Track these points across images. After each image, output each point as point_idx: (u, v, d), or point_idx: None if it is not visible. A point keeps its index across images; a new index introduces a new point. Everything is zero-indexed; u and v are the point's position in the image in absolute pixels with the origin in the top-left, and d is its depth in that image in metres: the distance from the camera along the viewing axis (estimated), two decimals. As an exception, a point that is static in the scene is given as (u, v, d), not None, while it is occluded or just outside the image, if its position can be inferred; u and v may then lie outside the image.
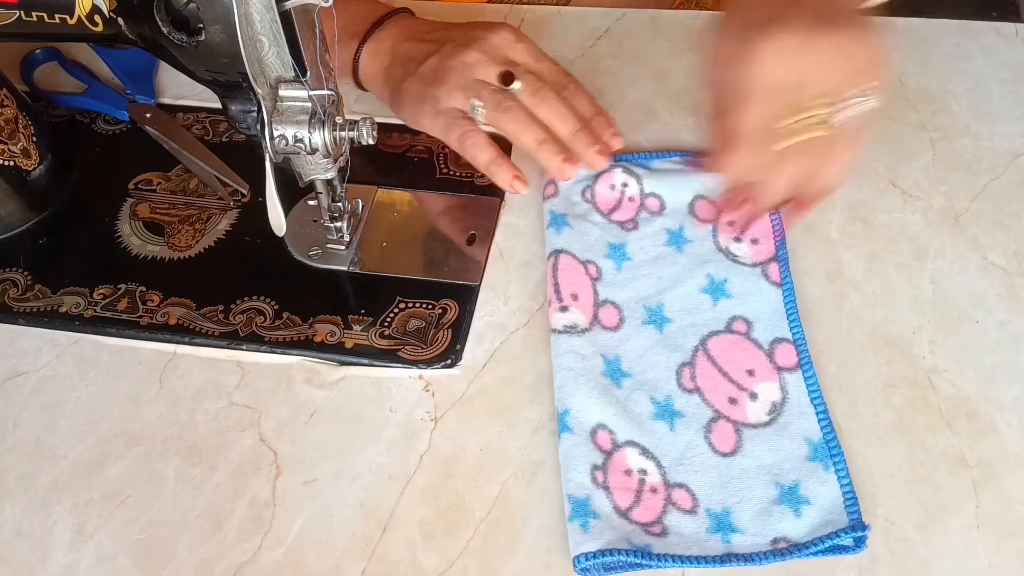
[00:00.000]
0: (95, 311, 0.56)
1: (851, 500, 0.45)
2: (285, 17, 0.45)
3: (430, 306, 0.55)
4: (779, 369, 0.51)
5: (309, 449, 0.50)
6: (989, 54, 0.68)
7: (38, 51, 0.72)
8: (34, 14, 0.48)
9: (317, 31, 0.47)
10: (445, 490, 0.48)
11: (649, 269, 0.56)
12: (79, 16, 0.47)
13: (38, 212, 0.62)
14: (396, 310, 0.55)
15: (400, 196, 0.62)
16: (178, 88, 0.70)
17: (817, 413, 0.49)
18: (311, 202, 0.60)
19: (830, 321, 0.53)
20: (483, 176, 0.62)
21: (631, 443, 0.48)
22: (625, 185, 0.59)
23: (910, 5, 0.70)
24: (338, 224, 0.58)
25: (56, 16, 0.48)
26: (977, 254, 0.56)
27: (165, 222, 0.61)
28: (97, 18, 0.47)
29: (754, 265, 0.55)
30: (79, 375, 0.54)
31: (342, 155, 0.52)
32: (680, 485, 0.47)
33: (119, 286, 0.58)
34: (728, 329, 0.52)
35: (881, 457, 0.48)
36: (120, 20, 0.47)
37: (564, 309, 0.53)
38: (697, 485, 0.47)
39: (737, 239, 0.56)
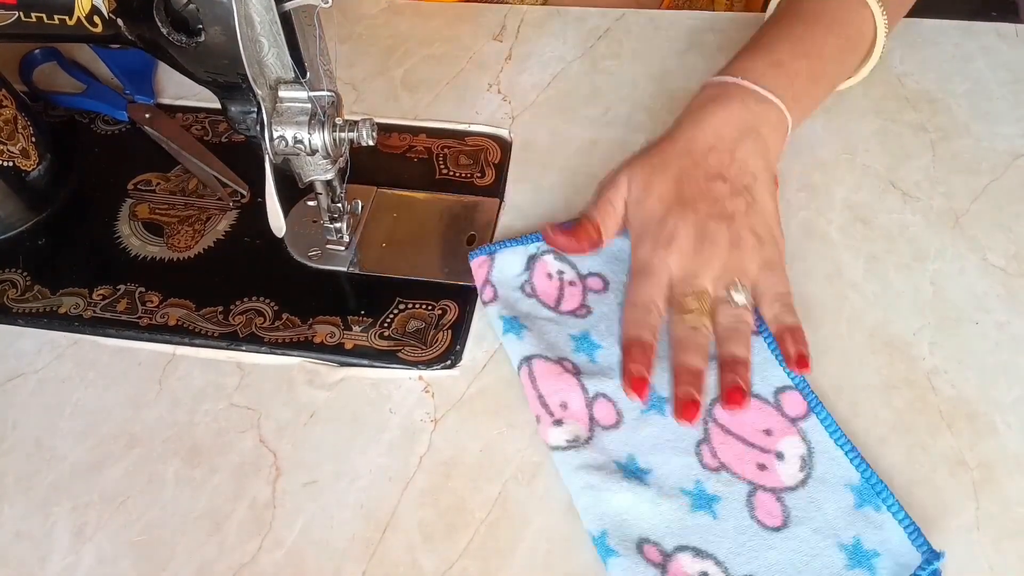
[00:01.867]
0: (94, 312, 0.56)
1: (914, 533, 0.44)
2: (285, 18, 0.45)
3: (430, 307, 0.55)
4: (793, 420, 0.48)
5: (309, 450, 0.50)
6: (989, 54, 0.68)
7: (37, 51, 0.72)
8: (33, 15, 0.48)
9: (317, 32, 0.47)
10: (445, 491, 0.48)
11: (623, 354, 0.51)
12: (78, 17, 0.47)
13: (37, 213, 0.62)
14: (396, 311, 0.55)
15: (400, 197, 0.62)
16: (177, 88, 0.70)
17: (847, 454, 0.47)
18: (311, 203, 0.60)
19: (830, 322, 0.53)
20: (483, 176, 0.62)
21: (681, 548, 0.45)
22: (561, 273, 0.55)
23: (910, 5, 0.70)
24: (338, 225, 0.58)
25: (55, 17, 0.48)
26: (977, 255, 0.56)
27: (164, 223, 0.61)
28: (96, 19, 0.47)
29: None
30: (78, 376, 0.54)
31: (342, 156, 0.52)
32: None
33: (118, 287, 0.57)
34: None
35: (881, 458, 0.48)
36: (120, 21, 0.47)
37: (559, 423, 0.48)
38: (763, 570, 0.44)
39: None
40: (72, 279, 0.58)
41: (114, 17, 0.47)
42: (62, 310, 0.57)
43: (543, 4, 0.76)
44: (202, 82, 0.48)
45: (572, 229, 0.54)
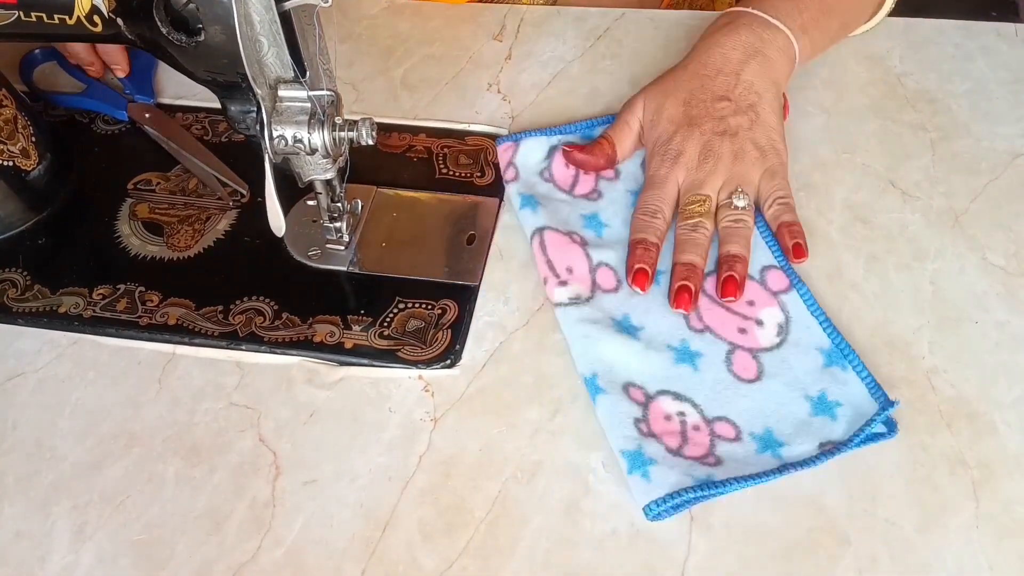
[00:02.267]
0: (94, 311, 0.56)
1: (874, 388, 0.49)
2: (285, 18, 0.45)
3: (429, 306, 0.55)
4: (775, 293, 0.54)
5: (309, 450, 0.50)
6: (989, 54, 0.68)
7: (37, 51, 0.72)
8: (33, 14, 0.48)
9: (316, 32, 0.47)
10: (445, 490, 0.48)
11: (627, 231, 0.57)
12: (78, 16, 0.47)
13: (37, 212, 0.62)
14: (395, 310, 0.55)
15: (399, 196, 0.62)
16: (177, 88, 0.70)
17: (821, 324, 0.52)
18: (310, 202, 0.60)
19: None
20: (483, 176, 0.63)
21: (662, 392, 0.50)
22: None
23: (910, 5, 0.70)
24: (337, 224, 0.58)
25: (55, 16, 0.48)
26: (977, 255, 0.56)
27: (164, 222, 0.61)
28: (96, 18, 0.47)
29: None
30: (78, 376, 0.54)
31: (341, 155, 0.52)
32: (719, 419, 0.49)
33: (118, 286, 0.58)
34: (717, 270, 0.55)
35: (881, 457, 0.48)
36: (119, 21, 0.47)
37: (564, 283, 0.54)
38: (735, 414, 0.49)
39: None
40: (72, 279, 0.58)
41: (114, 17, 0.47)
42: (62, 310, 0.57)
43: (547, 3, 0.76)
44: (202, 82, 0.48)
45: (590, 146, 0.60)
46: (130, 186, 0.64)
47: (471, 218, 0.60)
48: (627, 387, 0.50)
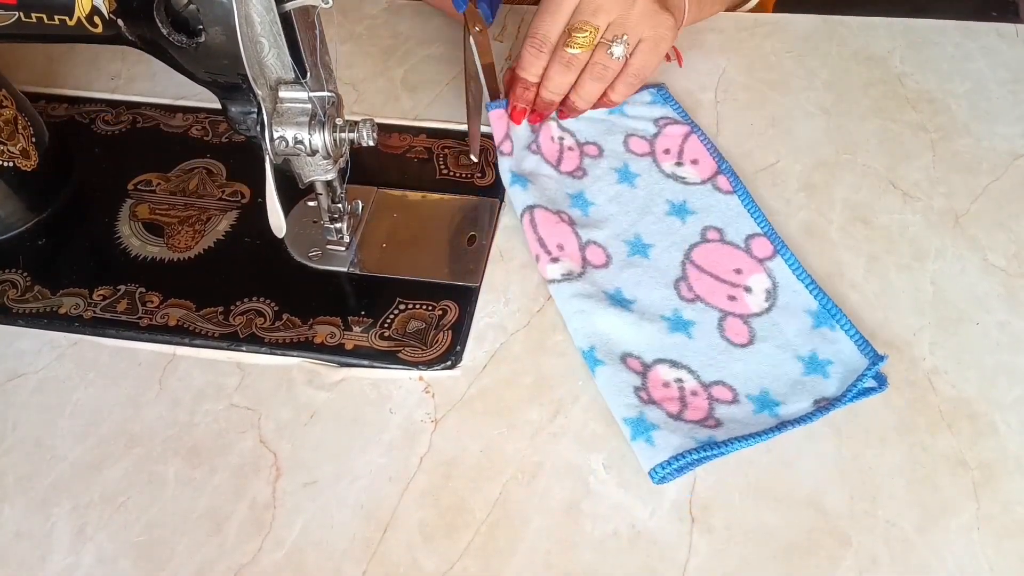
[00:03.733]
0: (95, 312, 0.56)
1: (863, 344, 0.50)
2: (285, 19, 0.45)
3: (430, 307, 0.55)
4: (760, 260, 0.56)
5: (309, 451, 0.50)
6: (989, 54, 0.68)
7: None
8: (33, 15, 0.48)
9: (317, 32, 0.47)
10: (445, 491, 0.48)
11: (614, 208, 0.59)
12: (79, 17, 0.47)
13: (37, 213, 0.62)
14: (396, 311, 0.55)
15: (400, 197, 0.62)
16: (178, 88, 0.70)
17: (807, 287, 0.54)
18: (311, 203, 0.60)
19: (830, 322, 0.53)
20: (483, 176, 0.63)
21: (659, 360, 0.52)
22: (562, 138, 0.63)
23: (910, 5, 0.70)
24: (338, 225, 0.58)
25: (55, 17, 0.48)
26: (977, 255, 0.56)
27: (165, 223, 0.61)
28: (97, 19, 0.47)
29: (703, 182, 0.60)
30: (79, 376, 0.54)
31: (342, 156, 0.52)
32: (716, 383, 0.51)
33: (119, 287, 0.57)
34: (704, 239, 0.57)
35: (881, 458, 0.48)
36: (120, 21, 0.47)
37: (556, 260, 0.55)
38: (731, 378, 0.51)
39: (679, 163, 0.61)
40: (72, 279, 0.58)
41: (114, 18, 0.47)
42: (62, 310, 0.57)
43: None
44: (202, 82, 0.48)
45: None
46: (130, 186, 0.63)
47: (471, 219, 0.60)
48: (625, 357, 0.51)
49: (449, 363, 0.53)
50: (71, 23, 0.48)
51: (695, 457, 0.46)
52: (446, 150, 0.64)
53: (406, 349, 0.53)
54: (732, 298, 0.54)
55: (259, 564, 0.46)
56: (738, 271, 0.55)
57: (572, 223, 0.58)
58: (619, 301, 0.54)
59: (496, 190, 0.61)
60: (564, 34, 0.58)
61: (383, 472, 0.49)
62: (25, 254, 0.60)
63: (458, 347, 0.53)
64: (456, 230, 0.59)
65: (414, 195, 0.62)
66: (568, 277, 0.55)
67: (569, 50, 0.57)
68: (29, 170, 0.61)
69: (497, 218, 0.60)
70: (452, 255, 0.58)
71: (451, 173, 0.63)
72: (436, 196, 0.62)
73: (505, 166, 0.60)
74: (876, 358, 0.49)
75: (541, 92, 0.59)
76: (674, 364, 0.51)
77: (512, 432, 0.50)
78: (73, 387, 0.53)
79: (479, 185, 0.62)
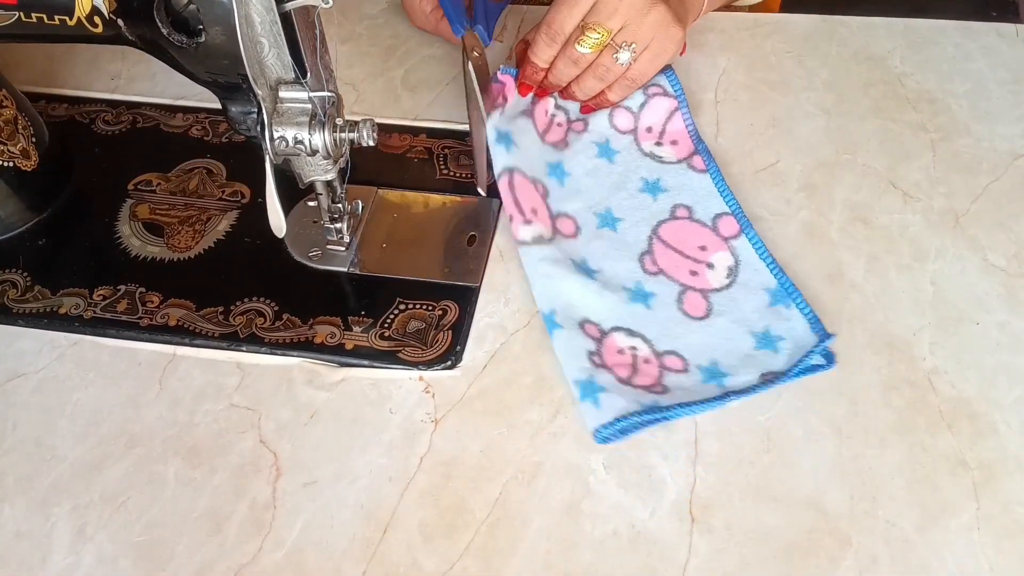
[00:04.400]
0: (95, 312, 0.56)
1: (815, 323, 0.52)
2: (285, 18, 0.45)
3: (430, 307, 0.55)
4: (725, 239, 0.57)
5: (309, 451, 0.50)
6: (989, 55, 0.68)
7: None
8: (33, 15, 0.48)
9: (317, 32, 0.47)
10: (445, 492, 0.48)
11: (589, 181, 0.61)
12: (79, 17, 0.47)
13: (37, 213, 0.62)
14: (396, 311, 0.55)
15: (400, 197, 0.62)
16: (178, 88, 0.70)
17: (768, 266, 0.55)
18: (311, 203, 0.60)
19: (830, 322, 0.53)
20: (483, 177, 0.62)
21: (616, 328, 0.53)
22: (554, 115, 0.63)
23: (910, 5, 0.70)
24: (338, 225, 0.58)
25: (55, 17, 0.48)
26: (978, 255, 0.56)
27: (165, 223, 0.61)
28: (97, 19, 0.47)
29: (679, 161, 0.62)
30: (79, 376, 0.54)
31: (342, 156, 0.52)
32: (668, 352, 0.52)
33: (119, 287, 0.57)
34: (673, 216, 0.59)
35: (881, 458, 0.48)
36: (120, 21, 0.47)
37: (528, 223, 0.57)
38: (683, 348, 0.52)
39: (659, 143, 0.63)
40: (72, 279, 0.58)
41: (114, 18, 0.47)
42: (62, 310, 0.57)
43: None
44: (202, 82, 0.48)
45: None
46: (130, 187, 0.63)
47: (472, 219, 0.60)
48: (583, 323, 0.53)
49: (449, 363, 0.53)
50: (71, 23, 0.48)
51: (638, 420, 0.48)
52: (446, 150, 0.64)
53: (406, 349, 0.53)
54: (694, 273, 0.56)
55: (259, 564, 0.46)
56: (703, 248, 0.57)
57: (546, 195, 0.59)
58: (584, 270, 0.56)
59: (496, 190, 0.61)
60: (578, 29, 0.58)
61: (383, 472, 0.49)
62: (25, 254, 0.60)
63: (458, 347, 0.53)
64: (456, 230, 0.59)
65: (414, 195, 0.62)
66: (538, 241, 0.56)
67: (579, 47, 0.58)
68: (29, 170, 0.61)
69: (497, 218, 0.60)
70: (452, 255, 0.58)
71: (451, 173, 0.63)
72: (436, 196, 0.62)
73: (491, 123, 0.59)
74: (825, 336, 0.51)
75: (547, 77, 0.60)
76: (630, 332, 0.53)
77: (512, 432, 0.50)
78: (73, 387, 0.53)
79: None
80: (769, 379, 0.50)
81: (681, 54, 0.63)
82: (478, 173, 0.61)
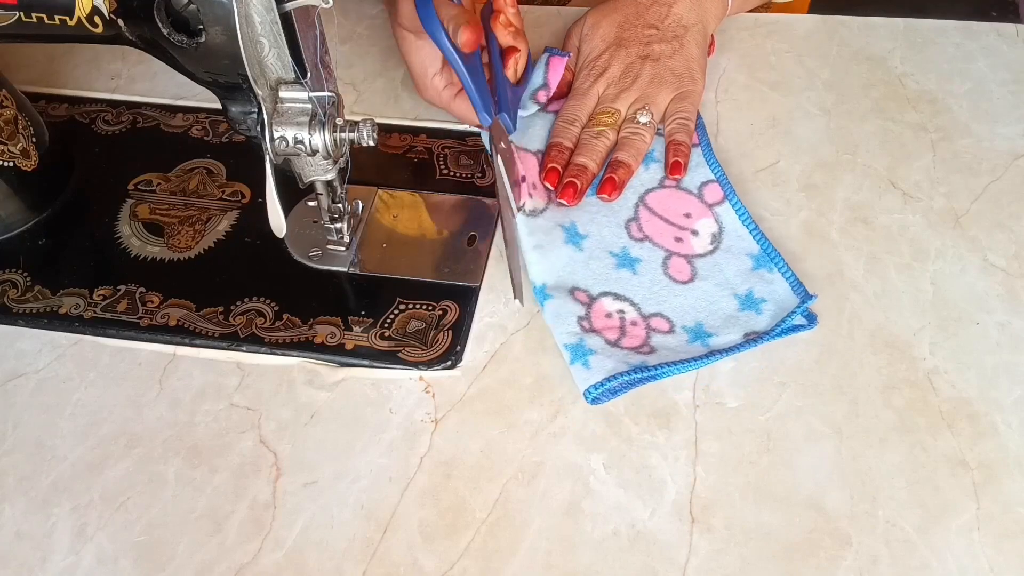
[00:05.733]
0: (95, 312, 0.56)
1: (796, 285, 0.54)
2: (285, 18, 0.45)
3: (430, 307, 0.55)
4: (710, 206, 0.59)
5: (309, 451, 0.50)
6: (989, 55, 0.68)
7: None
8: (34, 15, 0.48)
9: (317, 32, 0.47)
10: (446, 492, 0.48)
11: None
12: (79, 17, 0.47)
13: (38, 213, 0.62)
14: (396, 311, 0.55)
15: (400, 197, 0.62)
16: (178, 88, 0.70)
17: (751, 232, 0.57)
18: (311, 203, 0.60)
19: (830, 322, 0.53)
20: (483, 176, 0.63)
21: (604, 294, 0.55)
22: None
23: (910, 5, 0.70)
24: (338, 225, 0.58)
25: (56, 17, 0.48)
26: (978, 255, 0.56)
27: (165, 223, 0.61)
28: (97, 19, 0.47)
29: None
30: (79, 376, 0.54)
31: (342, 156, 0.52)
32: (655, 315, 0.54)
33: (119, 287, 0.57)
34: (660, 185, 0.60)
35: (881, 458, 0.48)
36: (120, 21, 0.47)
37: (531, 196, 0.58)
38: (669, 311, 0.54)
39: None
40: (72, 279, 0.58)
41: (115, 18, 0.47)
42: (62, 310, 0.57)
43: (559, 3, 0.76)
44: (203, 82, 0.48)
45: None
46: (130, 186, 0.63)
47: (472, 219, 0.60)
48: (573, 291, 0.55)
49: (449, 363, 0.53)
50: (71, 23, 0.48)
51: (626, 379, 0.50)
52: (446, 150, 0.64)
53: (406, 349, 0.53)
54: (679, 239, 0.57)
55: (259, 564, 0.46)
56: (687, 215, 0.59)
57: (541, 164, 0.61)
58: (573, 236, 0.57)
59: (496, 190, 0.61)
60: (590, 118, 0.61)
61: (383, 472, 0.49)
62: (25, 254, 0.60)
63: (458, 347, 0.53)
64: (456, 230, 0.59)
65: (414, 195, 0.62)
66: (533, 214, 0.58)
67: (596, 128, 0.61)
68: (29, 170, 0.61)
69: (497, 218, 0.60)
70: (452, 255, 0.58)
71: (451, 173, 0.63)
72: (436, 196, 0.62)
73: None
74: (807, 297, 0.53)
75: (574, 158, 0.60)
76: (617, 297, 0.55)
77: (512, 432, 0.50)
78: (73, 387, 0.53)
79: (479, 185, 0.62)
80: (752, 338, 0.52)
81: (710, 54, 0.65)
82: (515, 284, 0.55)
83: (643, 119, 0.60)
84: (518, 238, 0.56)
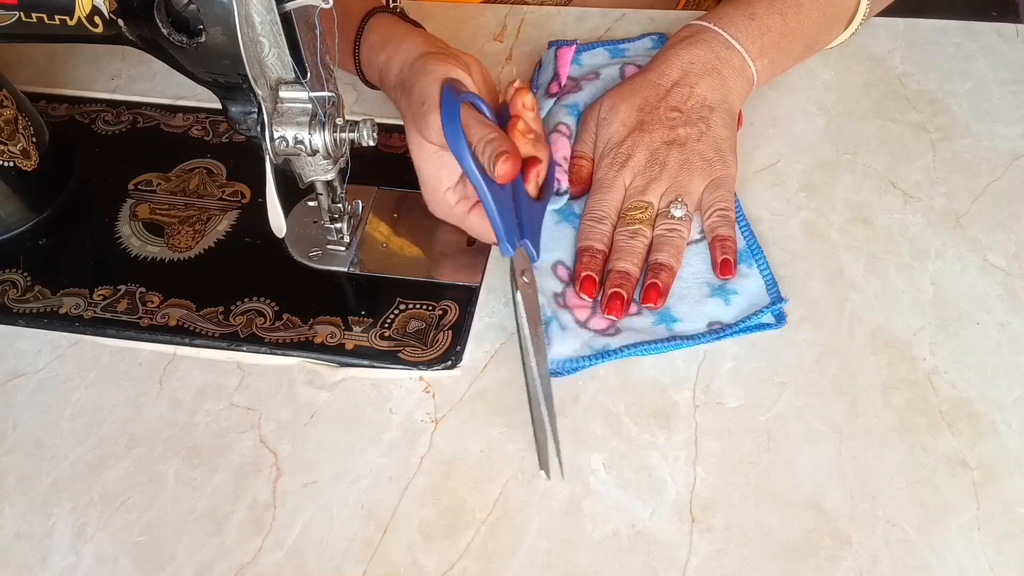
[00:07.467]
0: (95, 312, 0.56)
1: (771, 284, 0.54)
2: (285, 18, 0.45)
3: (430, 307, 0.55)
4: None
5: (309, 451, 0.50)
6: (989, 55, 0.68)
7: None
8: (34, 15, 0.48)
9: (317, 32, 0.47)
10: (446, 492, 0.48)
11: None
12: (79, 17, 0.47)
13: (38, 213, 0.62)
14: (396, 311, 0.55)
15: (400, 197, 0.62)
16: (178, 88, 0.70)
17: (740, 228, 0.57)
18: (311, 203, 0.60)
19: (831, 322, 0.53)
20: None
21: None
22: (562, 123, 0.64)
23: (910, 5, 0.70)
24: (338, 225, 0.58)
25: (56, 17, 0.48)
26: (978, 255, 0.56)
27: (165, 223, 0.61)
28: (97, 19, 0.47)
29: None
30: (79, 376, 0.54)
31: (342, 156, 0.52)
32: None
33: (119, 287, 0.58)
34: None
35: (882, 458, 0.48)
36: (120, 21, 0.47)
37: (558, 180, 0.59)
38: (639, 292, 0.55)
39: None
40: (73, 279, 0.58)
41: (115, 18, 0.47)
42: (63, 310, 0.57)
43: (559, 4, 0.76)
44: (203, 83, 0.48)
45: (572, 171, 0.61)
46: (130, 186, 0.64)
47: (472, 219, 0.60)
48: (555, 266, 0.56)
49: (449, 363, 0.53)
50: (71, 23, 0.48)
51: (586, 364, 0.52)
52: (446, 150, 0.64)
53: (406, 349, 0.53)
54: None
55: (259, 564, 0.46)
56: None
57: (570, 135, 0.62)
58: (569, 215, 0.59)
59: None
60: (620, 215, 0.56)
61: (383, 472, 0.49)
62: (25, 254, 0.60)
63: (458, 347, 0.53)
64: (456, 230, 0.59)
65: (414, 195, 0.61)
66: (557, 193, 0.59)
67: (630, 227, 0.56)
68: (29, 170, 0.61)
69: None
70: (452, 255, 0.58)
71: (451, 173, 0.63)
72: (436, 196, 0.62)
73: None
74: (778, 298, 0.53)
75: (614, 263, 0.54)
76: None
77: (512, 432, 0.50)
78: (73, 387, 0.53)
79: (479, 185, 0.62)
80: (716, 329, 0.53)
81: (738, 129, 0.60)
82: (542, 459, 0.48)
83: (677, 212, 0.55)
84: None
